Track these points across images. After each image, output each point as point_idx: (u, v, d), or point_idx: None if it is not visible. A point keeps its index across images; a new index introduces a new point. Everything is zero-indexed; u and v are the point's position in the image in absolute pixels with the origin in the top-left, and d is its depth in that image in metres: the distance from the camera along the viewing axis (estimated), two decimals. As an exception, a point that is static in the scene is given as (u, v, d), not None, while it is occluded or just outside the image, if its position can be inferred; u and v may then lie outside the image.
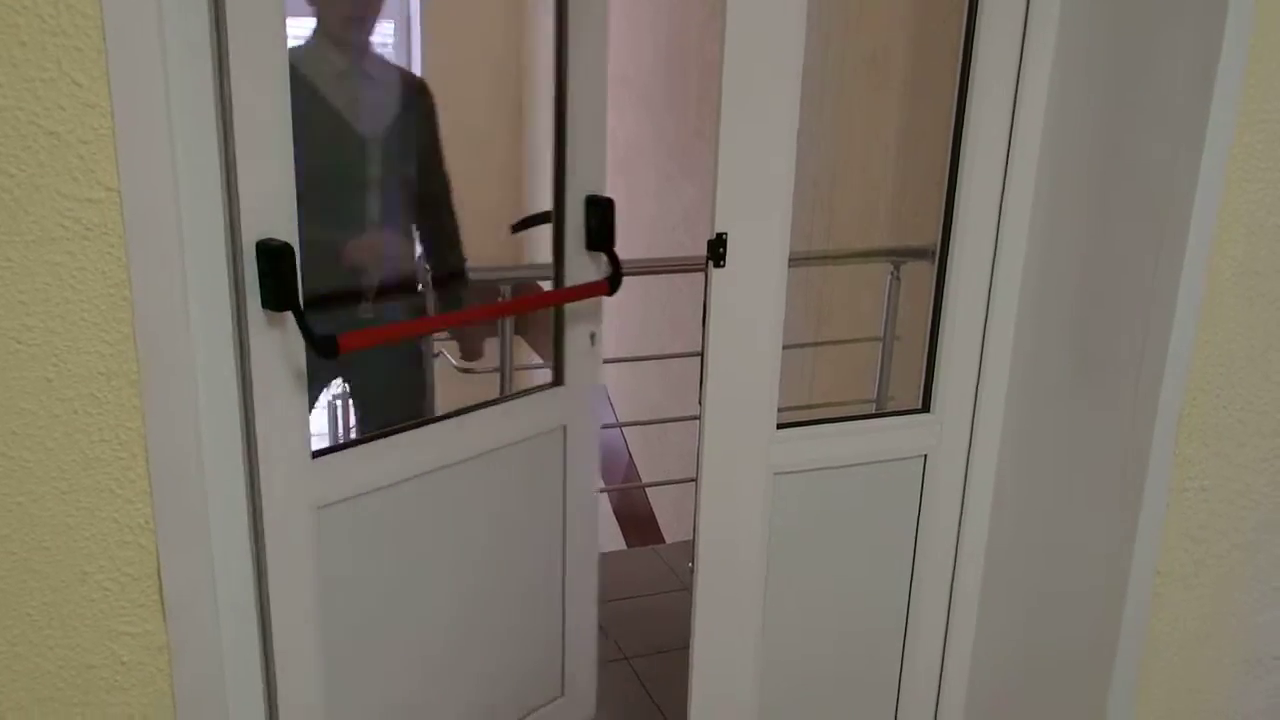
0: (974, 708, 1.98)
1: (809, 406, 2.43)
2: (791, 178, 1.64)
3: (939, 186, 2.07)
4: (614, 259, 1.81)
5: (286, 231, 1.38)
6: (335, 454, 1.55)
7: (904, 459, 1.86)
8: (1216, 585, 1.76)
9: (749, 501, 1.75)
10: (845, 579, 1.89)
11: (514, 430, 1.82)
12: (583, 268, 1.85)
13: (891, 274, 3.01)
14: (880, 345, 3.14)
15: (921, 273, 2.70)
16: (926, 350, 1.85)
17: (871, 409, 3.14)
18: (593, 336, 1.89)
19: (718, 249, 1.61)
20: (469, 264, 2.71)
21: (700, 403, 1.68)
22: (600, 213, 1.81)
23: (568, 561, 1.99)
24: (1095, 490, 1.68)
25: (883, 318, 3.09)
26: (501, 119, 5.58)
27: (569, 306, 1.84)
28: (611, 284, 1.81)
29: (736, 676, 1.82)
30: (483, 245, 5.72)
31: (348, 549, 1.60)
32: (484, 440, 1.78)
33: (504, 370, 2.42)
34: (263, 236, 1.36)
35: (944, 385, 1.84)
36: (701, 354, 1.65)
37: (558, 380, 1.90)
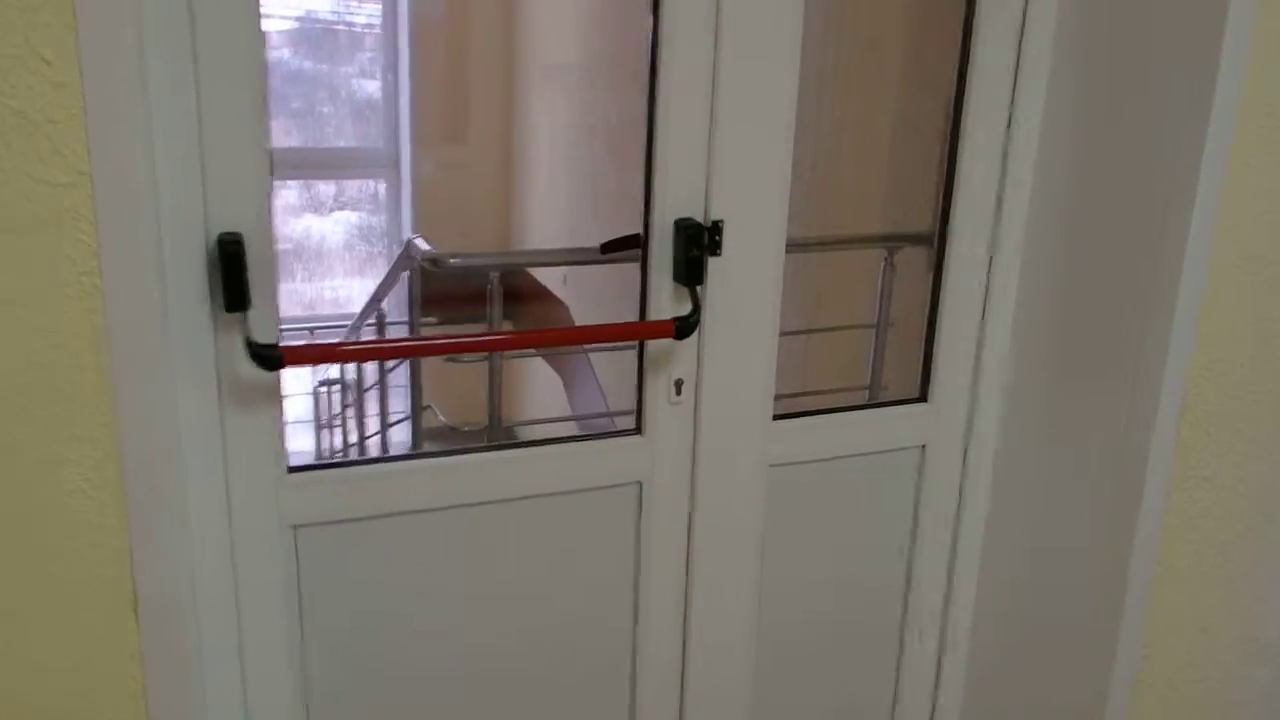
0: (972, 701, 1.96)
1: (801, 395, 2.40)
2: (789, 161, 1.60)
3: (935, 170, 2.05)
4: (695, 299, 1.54)
5: (254, 226, 1.33)
6: (328, 471, 1.49)
7: (901, 449, 1.83)
8: (1218, 573, 1.74)
9: (744, 495, 1.71)
10: (842, 572, 1.85)
11: (574, 477, 1.60)
12: (669, 302, 1.58)
13: (886, 260, 2.99)
14: (874, 332, 3.12)
15: (917, 259, 2.69)
16: (924, 339, 1.82)
17: (865, 397, 3.13)
18: (678, 385, 1.62)
19: (714, 236, 1.56)
20: (454, 250, 2.65)
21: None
22: (692, 241, 1.53)
23: (639, 641, 1.72)
24: (1096, 479, 1.65)
25: (876, 304, 3.07)
26: (491, 106, 5.52)
27: (650, 345, 1.59)
28: (680, 327, 1.51)
29: (731, 675, 1.78)
30: (472, 230, 5.65)
31: (337, 578, 1.52)
32: (530, 482, 1.57)
33: (493, 393, 2.34)
34: (228, 229, 1.31)
35: (941, 374, 1.81)
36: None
37: (637, 429, 1.65)
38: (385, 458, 1.51)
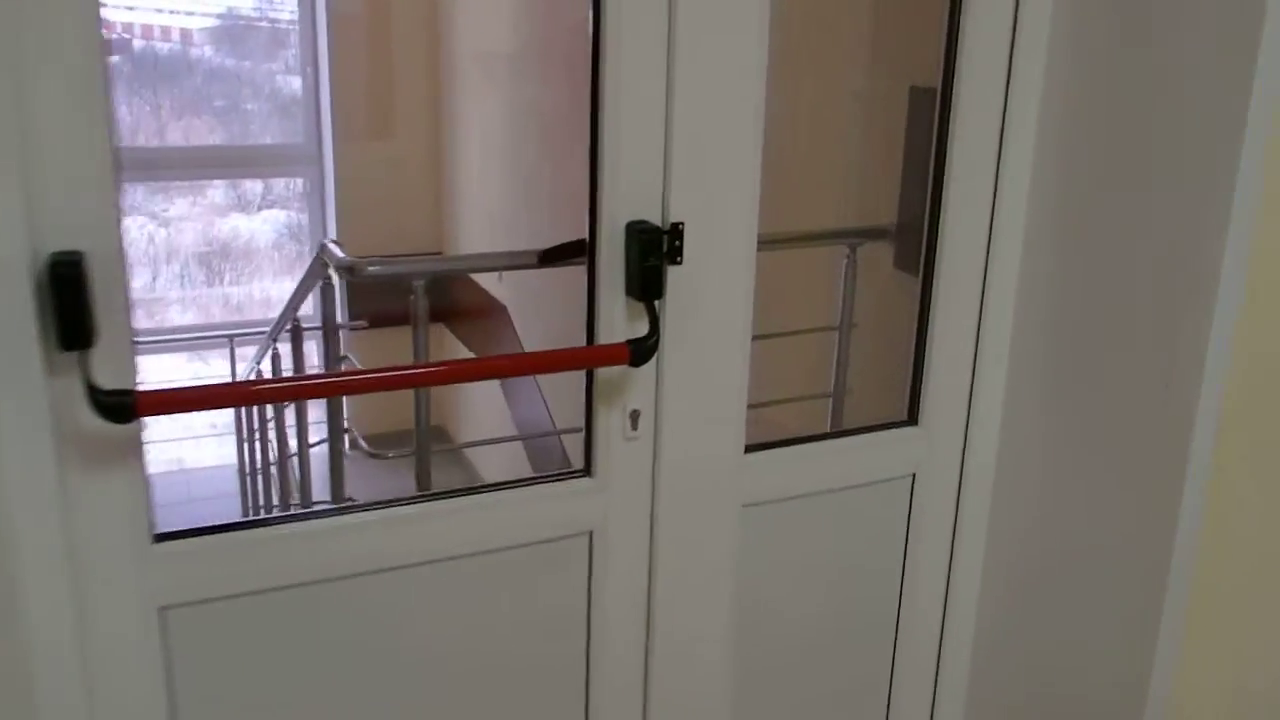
0: (969, 757, 1.74)
1: (757, 405, 2.17)
2: (759, 150, 1.35)
3: (900, 159, 1.83)
4: (652, 317, 1.28)
5: (98, 242, 1.05)
6: (205, 538, 1.21)
7: (890, 479, 1.60)
8: (1255, 623, 1.54)
9: (714, 542, 1.47)
10: (826, 620, 1.62)
11: (512, 530, 1.34)
12: (622, 321, 1.32)
13: (847, 257, 2.77)
14: (836, 335, 2.90)
15: (880, 255, 2.49)
16: (913, 354, 1.59)
17: (829, 406, 2.91)
18: (634, 417, 1.37)
19: (674, 241, 1.31)
20: (374, 256, 2.35)
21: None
22: (647, 247, 1.27)
23: (593, 716, 1.46)
24: (1116, 510, 1.44)
25: (838, 305, 2.85)
26: (418, 99, 5.21)
27: (600, 372, 1.33)
28: (635, 352, 1.25)
29: (703, 743, 1.54)
30: (399, 230, 5.33)
31: (218, 669, 1.24)
32: (458, 538, 1.32)
33: (419, 423, 2.04)
34: (64, 248, 1.03)
35: (932, 393, 1.58)
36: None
37: (586, 469, 1.39)
38: (278, 518, 1.24)
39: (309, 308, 3.36)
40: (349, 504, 1.29)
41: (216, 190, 5.53)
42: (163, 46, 5.32)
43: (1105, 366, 1.43)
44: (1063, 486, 1.52)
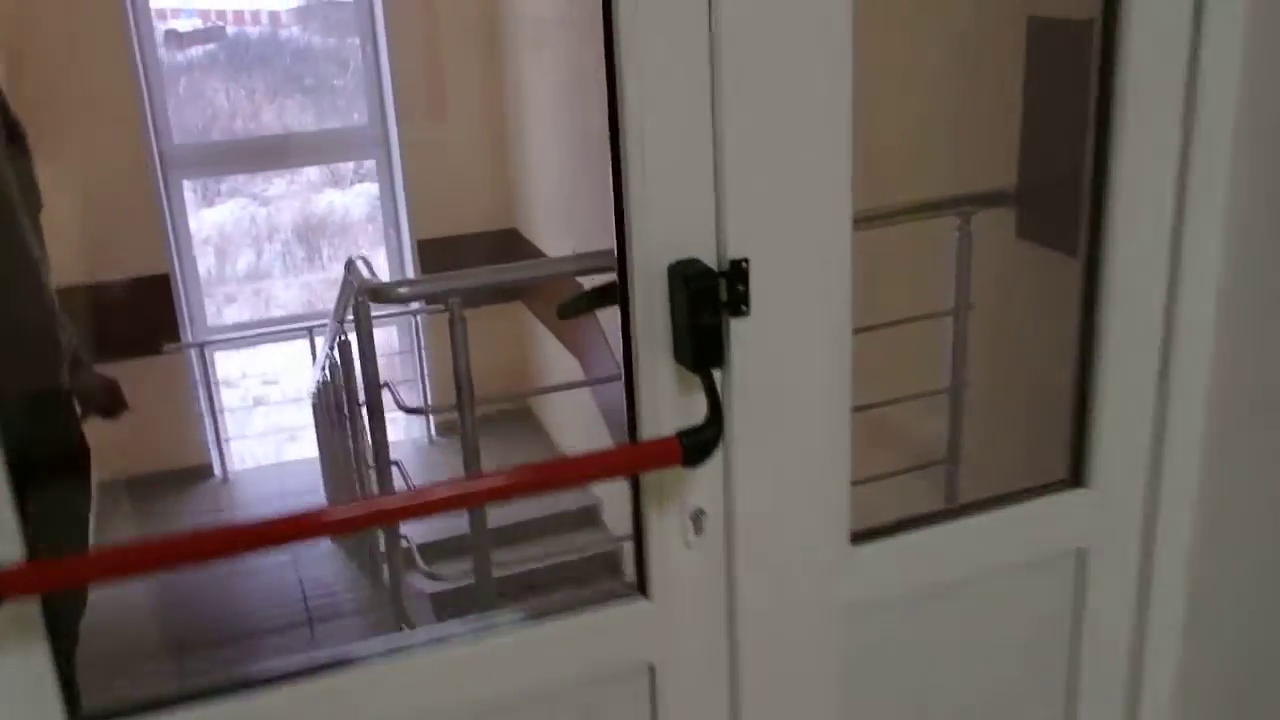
0: None
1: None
2: (848, 149, 0.97)
3: (1013, 109, 1.63)
4: (712, 394, 0.92)
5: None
6: None
7: (1048, 559, 1.21)
8: None
9: (813, 660, 1.11)
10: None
11: (547, 671, 1.02)
12: (670, 396, 0.97)
13: (959, 229, 2.37)
14: (952, 321, 2.50)
15: (1000, 224, 2.12)
16: (1075, 390, 1.18)
17: (944, 404, 2.50)
18: (698, 517, 1.02)
19: (736, 286, 0.94)
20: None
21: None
22: (700, 299, 0.91)
23: None
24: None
25: (951, 286, 2.45)
26: (478, 69, 4.91)
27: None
28: (691, 448, 0.90)
29: None
30: (468, 205, 5.09)
31: None
32: (483, 686, 1.01)
33: (466, 428, 1.73)
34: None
35: (1107, 443, 1.17)
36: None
37: (639, 588, 1.05)
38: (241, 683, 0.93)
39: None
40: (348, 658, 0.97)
41: (312, 167, 5.50)
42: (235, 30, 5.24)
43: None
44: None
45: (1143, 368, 1.16)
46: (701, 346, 0.93)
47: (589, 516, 4.28)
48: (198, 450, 5.35)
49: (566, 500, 4.60)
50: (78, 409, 1.45)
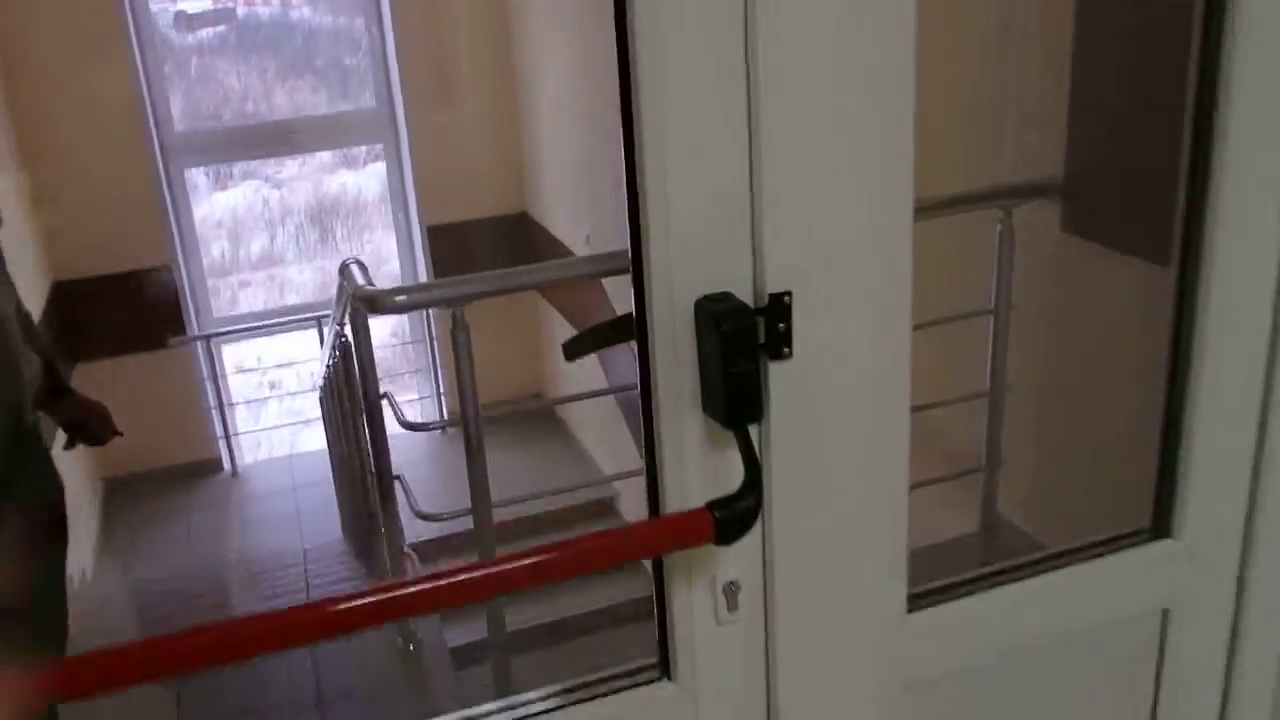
0: None
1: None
2: (910, 159, 0.82)
3: (1060, 93, 1.52)
4: (749, 456, 0.78)
5: None
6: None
7: (1126, 618, 1.06)
8: None
9: (865, 744, 0.97)
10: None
11: None
12: (698, 455, 0.82)
13: (1001, 222, 2.23)
14: (991, 321, 2.36)
15: (1043, 218, 2.00)
16: (1163, 428, 1.03)
17: (983, 409, 2.36)
18: (731, 591, 0.87)
19: (777, 325, 0.79)
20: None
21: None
22: (735, 341, 0.76)
23: None
24: None
25: (992, 284, 2.30)
26: (488, 50, 4.75)
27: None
28: (724, 521, 0.76)
29: None
30: (478, 189, 4.96)
31: None
32: None
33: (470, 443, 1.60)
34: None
35: (1199, 490, 1.02)
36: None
37: (664, 670, 0.90)
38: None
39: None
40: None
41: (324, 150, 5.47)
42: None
43: None
44: None
45: (1244, 404, 1.00)
46: (736, 398, 0.78)
47: (606, 508, 4.16)
48: (206, 445, 5.25)
49: (582, 491, 4.48)
50: (56, 439, 1.34)
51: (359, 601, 0.71)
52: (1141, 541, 1.04)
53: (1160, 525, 1.04)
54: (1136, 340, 1.80)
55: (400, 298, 1.66)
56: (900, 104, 0.80)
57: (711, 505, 0.76)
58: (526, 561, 0.70)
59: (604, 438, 4.38)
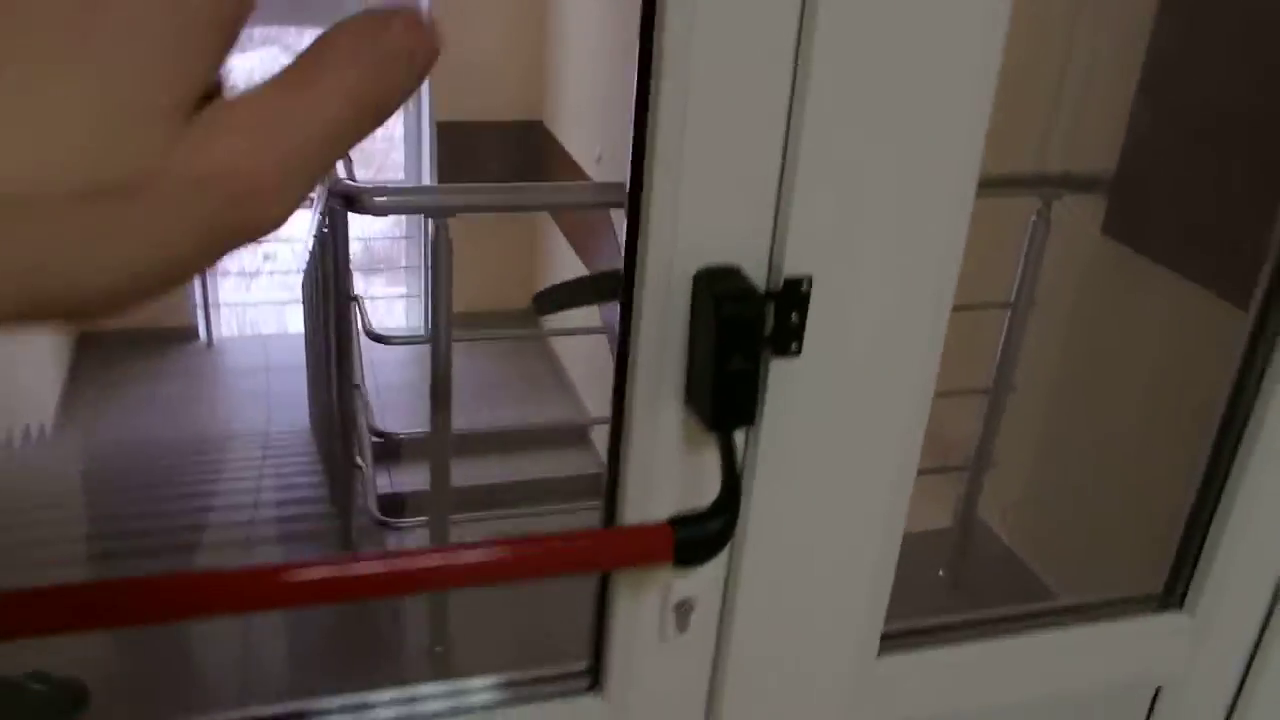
0: None
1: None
2: (982, 135, 0.67)
3: (1125, 76, 1.43)
4: (728, 462, 0.65)
5: None
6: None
7: (1112, 692, 0.95)
8: None
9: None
10: None
11: None
12: (672, 457, 0.69)
13: (1038, 214, 2.10)
14: (1007, 315, 2.24)
15: (1083, 215, 1.85)
16: (1199, 487, 0.90)
17: (984, 408, 2.25)
18: (683, 609, 0.75)
19: (788, 316, 0.66)
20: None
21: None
22: (735, 328, 0.63)
23: None
24: None
25: (1016, 277, 2.18)
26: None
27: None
28: (687, 542, 0.63)
29: None
30: (495, 92, 4.74)
31: None
32: None
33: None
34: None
35: (1224, 563, 0.90)
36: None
37: (594, 681, 0.79)
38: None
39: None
40: None
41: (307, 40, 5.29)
42: None
43: None
44: None
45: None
46: (727, 394, 0.65)
47: (577, 435, 4.06)
48: (184, 311, 5.11)
49: (554, 412, 4.37)
50: None
51: (271, 579, 0.59)
52: (1147, 610, 0.93)
53: (1170, 595, 0.93)
54: (1168, 371, 1.67)
55: (380, 199, 1.51)
56: (983, 70, 0.65)
57: (675, 521, 0.64)
58: (434, 564, 0.58)
59: (590, 368, 4.26)
